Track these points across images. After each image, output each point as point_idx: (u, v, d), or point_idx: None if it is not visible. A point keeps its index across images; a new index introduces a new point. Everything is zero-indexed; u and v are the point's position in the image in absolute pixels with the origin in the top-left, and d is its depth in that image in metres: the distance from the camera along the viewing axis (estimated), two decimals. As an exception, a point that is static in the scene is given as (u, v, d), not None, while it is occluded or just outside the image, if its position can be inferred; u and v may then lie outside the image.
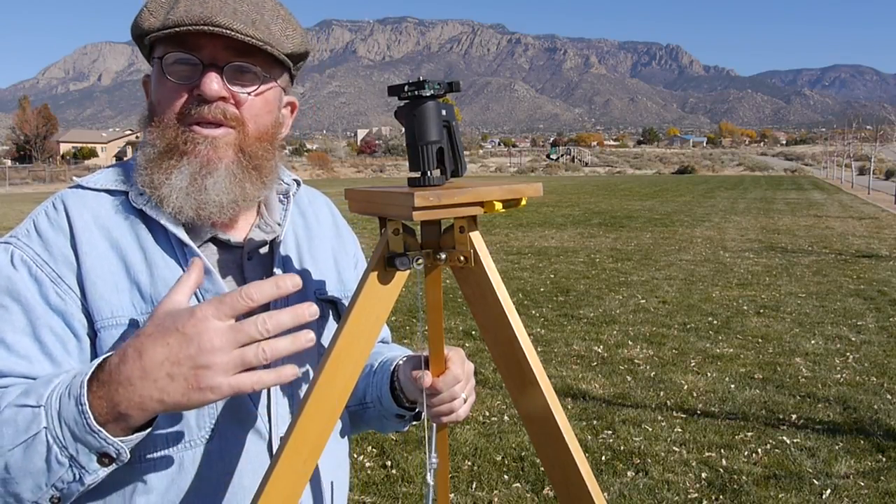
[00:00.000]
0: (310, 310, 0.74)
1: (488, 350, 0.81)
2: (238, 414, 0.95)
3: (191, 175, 0.93)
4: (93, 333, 0.91)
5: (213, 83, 0.91)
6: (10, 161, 73.91)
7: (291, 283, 0.75)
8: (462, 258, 0.78)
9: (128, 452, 0.78)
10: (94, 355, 0.91)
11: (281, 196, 1.09)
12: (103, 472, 0.78)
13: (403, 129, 0.77)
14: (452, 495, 3.60)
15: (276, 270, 1.01)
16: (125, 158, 1.11)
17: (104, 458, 0.77)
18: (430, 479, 0.94)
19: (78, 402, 0.75)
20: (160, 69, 0.93)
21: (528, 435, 0.75)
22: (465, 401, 1.01)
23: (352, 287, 1.08)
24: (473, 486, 3.70)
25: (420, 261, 0.78)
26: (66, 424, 0.75)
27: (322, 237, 1.14)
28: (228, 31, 0.89)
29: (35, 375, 0.85)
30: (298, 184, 1.12)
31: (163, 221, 0.94)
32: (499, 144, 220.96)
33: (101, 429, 0.75)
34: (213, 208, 0.94)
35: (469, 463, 3.96)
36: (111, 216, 0.96)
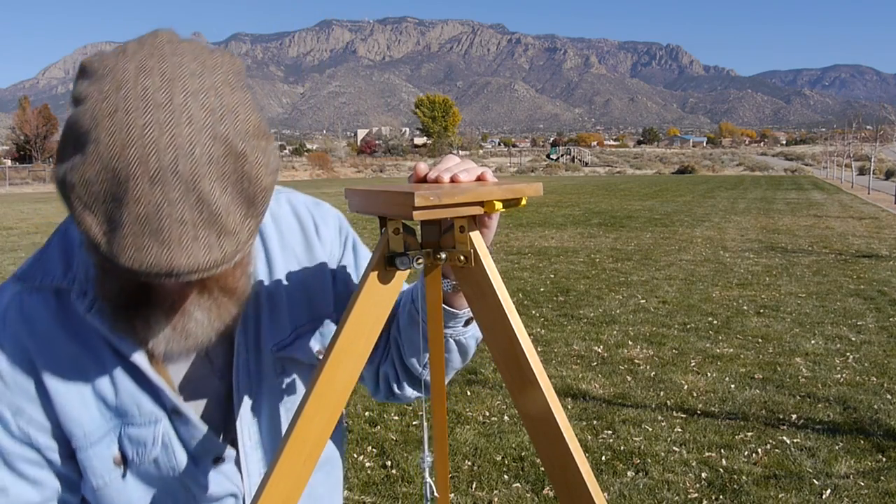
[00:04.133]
0: None
1: (488, 350, 0.80)
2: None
3: (168, 322, 0.82)
4: (71, 451, 0.88)
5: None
6: (10, 161, 73.92)
7: None
8: (462, 258, 0.78)
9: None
10: (79, 470, 0.89)
11: None
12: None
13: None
14: (452, 495, 3.60)
15: (238, 339, 0.94)
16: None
17: None
18: (426, 476, 0.94)
19: None
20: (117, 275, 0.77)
21: (528, 435, 0.75)
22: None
23: (326, 309, 1.04)
24: (473, 486, 3.70)
25: (420, 260, 0.78)
26: None
27: (288, 262, 1.00)
28: (196, 276, 0.71)
29: (22, 501, 0.84)
30: None
31: (106, 334, 0.86)
32: (499, 144, 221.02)
33: None
34: (203, 345, 0.86)
35: (469, 463, 3.96)
36: (62, 327, 0.86)
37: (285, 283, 0.99)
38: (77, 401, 0.87)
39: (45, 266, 0.89)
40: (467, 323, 1.00)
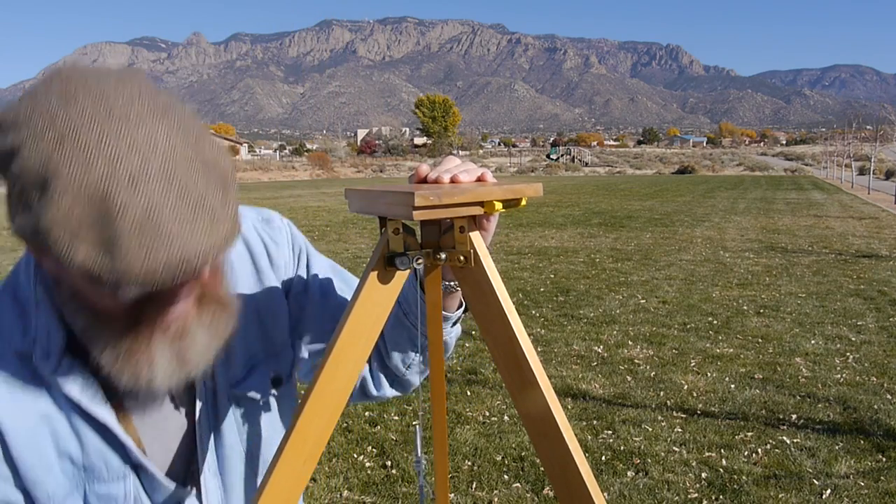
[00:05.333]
0: None
1: (488, 350, 0.80)
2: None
3: (172, 353, 0.80)
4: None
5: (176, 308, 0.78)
6: (10, 161, 73.91)
7: None
8: (462, 258, 0.78)
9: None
10: None
11: None
12: None
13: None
14: (452, 495, 3.60)
15: (198, 387, 0.92)
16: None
17: None
18: (420, 479, 0.94)
19: None
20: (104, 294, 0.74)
21: (528, 435, 0.75)
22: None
23: (281, 336, 1.02)
24: (473, 486, 3.70)
25: (420, 260, 0.78)
26: None
27: (239, 295, 0.92)
28: (193, 277, 0.72)
29: None
30: None
31: (74, 395, 0.82)
32: (499, 144, 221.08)
33: None
34: (204, 368, 0.84)
35: (469, 463, 3.96)
36: (22, 387, 0.82)
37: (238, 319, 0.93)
38: (40, 463, 0.83)
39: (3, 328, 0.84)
40: (455, 323, 1.00)
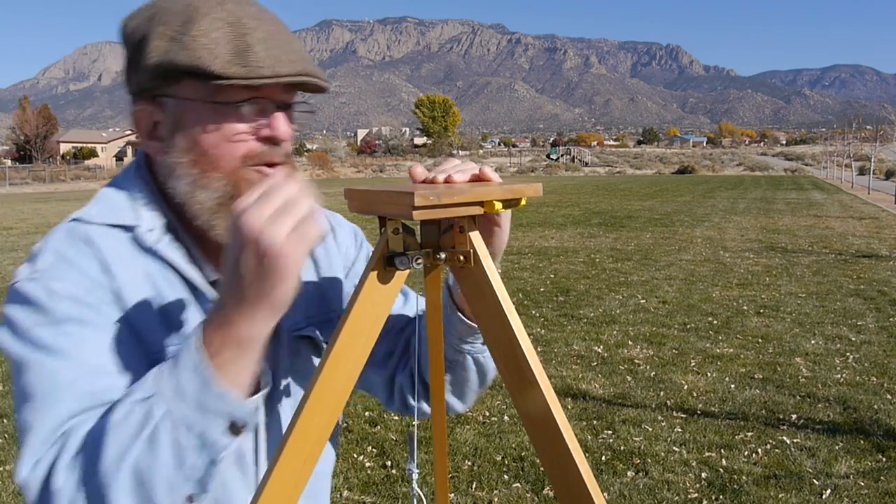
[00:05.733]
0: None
1: (488, 350, 0.80)
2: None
3: None
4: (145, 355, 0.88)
5: (285, 125, 0.90)
6: (10, 161, 73.98)
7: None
8: (461, 258, 0.78)
9: (253, 416, 0.77)
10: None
11: None
12: (233, 445, 0.76)
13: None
14: (452, 495, 3.60)
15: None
16: (127, 162, 1.05)
17: (232, 427, 0.75)
18: (414, 486, 0.94)
19: (197, 369, 0.73)
20: (220, 111, 0.88)
21: (528, 435, 0.75)
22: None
23: (337, 304, 1.07)
24: (473, 486, 3.70)
25: (420, 260, 0.78)
26: (189, 399, 0.73)
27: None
28: (319, 82, 0.91)
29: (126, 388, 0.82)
30: None
31: (176, 262, 0.92)
32: (499, 144, 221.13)
33: (228, 389, 0.73)
34: None
35: (469, 463, 3.96)
36: (128, 251, 0.90)
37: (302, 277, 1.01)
38: (149, 311, 0.88)
39: (106, 207, 0.93)
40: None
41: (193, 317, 0.91)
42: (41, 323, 0.83)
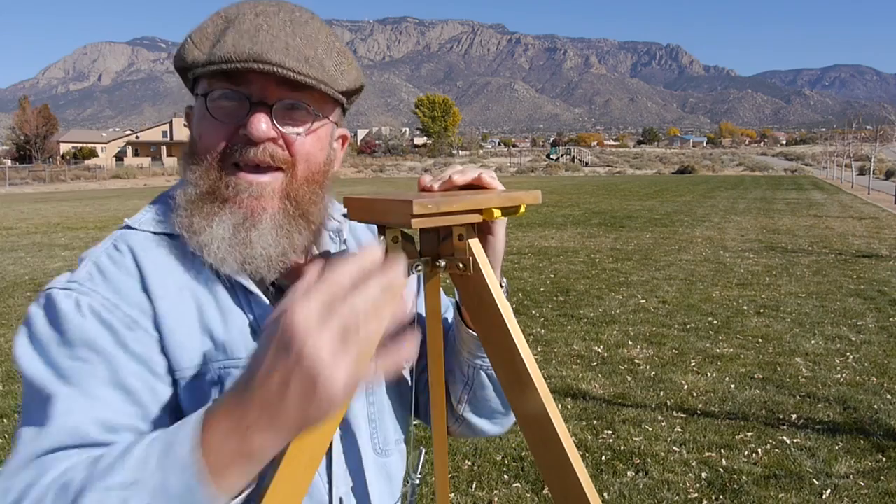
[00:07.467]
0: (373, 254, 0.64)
1: (487, 356, 0.81)
2: None
3: (234, 226, 0.87)
4: (173, 382, 0.85)
5: (262, 123, 0.84)
6: (10, 161, 73.92)
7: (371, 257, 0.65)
8: (461, 265, 0.79)
9: None
10: (176, 406, 0.85)
11: (332, 234, 1.01)
12: None
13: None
14: (452, 495, 3.61)
15: None
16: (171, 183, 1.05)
17: None
18: (410, 497, 0.94)
19: (187, 471, 0.64)
20: (203, 105, 0.87)
21: (526, 442, 0.75)
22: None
23: None
24: (473, 486, 3.71)
25: (419, 268, 0.79)
26: (171, 501, 0.64)
27: None
28: (280, 70, 0.82)
29: (127, 426, 0.79)
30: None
31: (225, 268, 0.88)
32: (499, 144, 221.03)
33: (217, 495, 0.64)
34: (260, 262, 0.87)
35: (469, 463, 3.97)
36: (172, 260, 0.89)
37: None
38: (186, 328, 0.86)
39: (155, 214, 0.93)
40: None
41: (242, 325, 0.88)
42: (57, 341, 0.81)
